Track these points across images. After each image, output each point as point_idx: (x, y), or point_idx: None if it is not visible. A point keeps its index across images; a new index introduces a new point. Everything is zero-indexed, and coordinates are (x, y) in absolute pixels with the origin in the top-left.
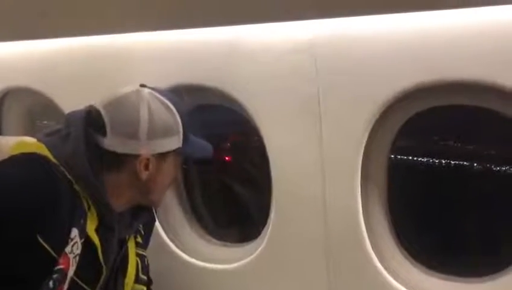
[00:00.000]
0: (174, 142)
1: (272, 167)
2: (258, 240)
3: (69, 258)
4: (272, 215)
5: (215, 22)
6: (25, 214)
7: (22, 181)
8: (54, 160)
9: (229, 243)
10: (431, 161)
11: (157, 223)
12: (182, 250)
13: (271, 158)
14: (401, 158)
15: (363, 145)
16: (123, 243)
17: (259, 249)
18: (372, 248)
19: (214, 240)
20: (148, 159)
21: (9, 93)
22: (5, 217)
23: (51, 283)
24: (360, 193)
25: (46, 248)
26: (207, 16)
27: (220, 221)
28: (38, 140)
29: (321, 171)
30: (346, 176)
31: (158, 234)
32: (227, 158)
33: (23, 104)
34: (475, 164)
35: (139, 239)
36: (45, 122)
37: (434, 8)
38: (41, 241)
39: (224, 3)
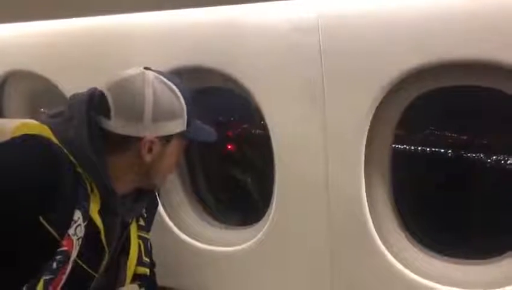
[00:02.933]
0: (179, 125)
1: (275, 149)
2: (261, 223)
3: (72, 240)
4: (275, 198)
5: (217, 1)
6: (27, 196)
7: (23, 163)
8: (57, 142)
9: (231, 226)
10: (433, 148)
11: (159, 206)
12: (184, 232)
13: (274, 141)
14: (405, 149)
15: (367, 126)
16: (126, 226)
17: (262, 232)
18: (376, 230)
19: (217, 223)
20: (152, 142)
21: (11, 76)
22: (7, 199)
23: (54, 264)
24: (363, 175)
25: (49, 230)
26: None
27: (222, 204)
28: (42, 122)
29: (324, 153)
30: (350, 158)
31: (161, 217)
32: (229, 146)
33: (25, 87)
34: (476, 151)
35: (142, 222)
36: (43, 110)
37: None
38: (44, 222)
39: None
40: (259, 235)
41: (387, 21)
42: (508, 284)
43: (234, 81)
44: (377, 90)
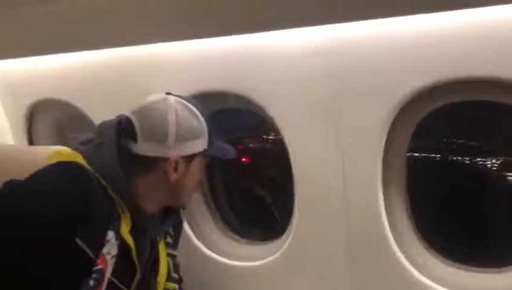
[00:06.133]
0: (200, 145)
1: (294, 168)
2: (282, 238)
3: (106, 259)
4: (295, 215)
5: (234, 31)
6: (64, 220)
7: (60, 189)
8: (89, 168)
9: (253, 241)
10: (448, 157)
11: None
12: (207, 247)
13: (292, 159)
14: (419, 156)
15: (383, 143)
16: (154, 244)
17: (283, 247)
18: (396, 242)
19: (239, 238)
20: (177, 162)
21: (41, 104)
22: (46, 223)
23: (91, 282)
24: (381, 188)
25: (85, 250)
26: (227, 26)
27: (244, 219)
28: (74, 149)
29: (342, 171)
30: (367, 174)
31: (185, 233)
32: (244, 159)
33: (53, 115)
34: (490, 159)
35: (169, 240)
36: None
37: (444, 9)
38: (80, 243)
39: (242, 12)
40: (280, 251)
41: (397, 42)
42: None
43: (253, 104)
44: (390, 108)
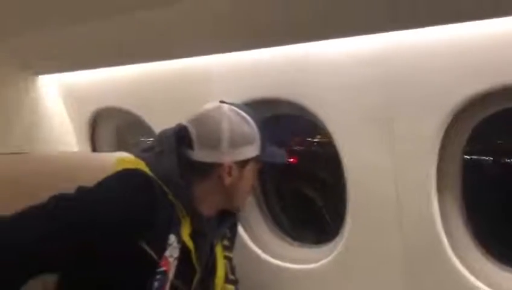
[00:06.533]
0: (253, 150)
1: (347, 173)
2: (335, 241)
3: (169, 262)
4: (348, 220)
5: (289, 41)
6: (131, 225)
7: (127, 195)
8: (152, 174)
9: (305, 244)
10: (503, 160)
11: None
12: (260, 249)
13: (345, 165)
14: (473, 160)
15: (436, 151)
16: (212, 247)
17: (336, 251)
18: (453, 251)
19: (291, 241)
20: (230, 167)
21: (103, 113)
22: (114, 229)
23: (156, 283)
24: (436, 198)
25: (149, 253)
26: (282, 36)
27: (295, 221)
28: (136, 156)
29: (395, 178)
30: (421, 182)
31: (239, 236)
32: (294, 161)
33: (114, 122)
34: None
35: (226, 242)
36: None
37: (496, 16)
38: (145, 247)
39: (297, 23)
40: (333, 254)
41: (448, 50)
42: None
43: (306, 111)
44: (444, 115)
